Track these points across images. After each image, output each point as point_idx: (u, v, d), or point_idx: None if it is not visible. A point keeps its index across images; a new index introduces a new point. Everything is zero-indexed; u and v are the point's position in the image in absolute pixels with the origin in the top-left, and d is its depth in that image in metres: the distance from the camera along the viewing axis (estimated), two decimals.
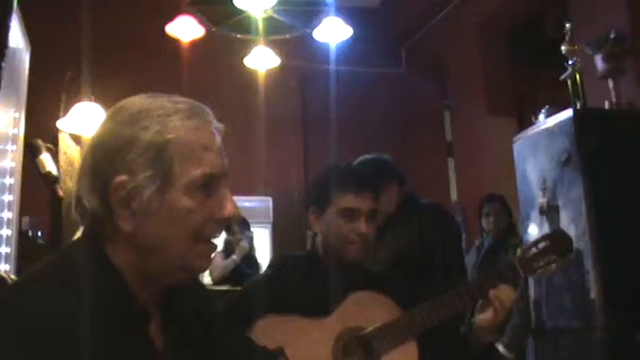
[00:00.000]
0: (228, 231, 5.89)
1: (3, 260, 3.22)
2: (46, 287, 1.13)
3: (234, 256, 5.86)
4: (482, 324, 2.13)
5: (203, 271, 1.27)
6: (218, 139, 1.25)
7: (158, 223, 1.18)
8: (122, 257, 1.19)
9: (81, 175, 1.23)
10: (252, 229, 6.33)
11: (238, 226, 5.94)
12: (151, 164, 1.17)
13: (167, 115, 1.20)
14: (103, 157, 1.19)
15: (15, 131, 3.52)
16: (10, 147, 3.44)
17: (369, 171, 2.86)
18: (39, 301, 1.10)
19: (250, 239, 6.17)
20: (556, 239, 2.22)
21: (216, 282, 5.61)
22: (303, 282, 2.23)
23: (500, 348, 4.22)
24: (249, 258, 6.07)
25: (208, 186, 1.21)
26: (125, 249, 1.19)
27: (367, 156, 3.36)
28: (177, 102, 1.24)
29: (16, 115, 3.55)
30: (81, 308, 1.10)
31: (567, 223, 3.56)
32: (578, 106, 3.75)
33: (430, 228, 3.30)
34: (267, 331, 1.99)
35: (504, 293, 2.10)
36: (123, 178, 1.16)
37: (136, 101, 1.24)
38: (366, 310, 2.16)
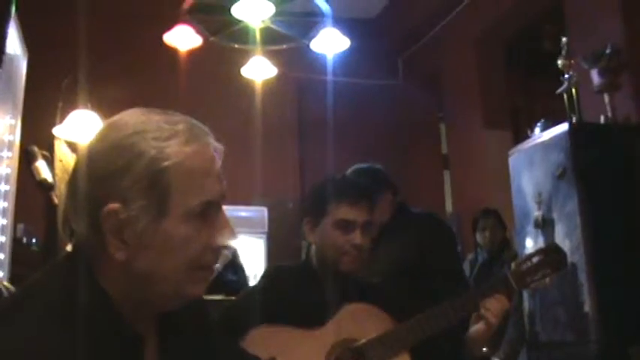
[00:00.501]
0: None
1: None
2: (34, 317, 1.06)
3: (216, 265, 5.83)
4: (475, 336, 2.14)
5: (198, 297, 1.21)
6: (218, 163, 1.18)
7: (152, 253, 1.11)
8: (113, 283, 1.13)
9: (69, 196, 1.16)
10: (247, 238, 6.31)
11: None
12: (146, 193, 1.10)
13: (164, 139, 1.12)
14: (94, 182, 1.11)
15: (11, 138, 3.52)
16: (5, 153, 3.44)
17: (363, 180, 2.86)
18: (26, 335, 1.03)
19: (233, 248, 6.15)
20: (550, 253, 2.24)
21: None
22: (297, 293, 2.23)
23: None
24: (234, 265, 6.05)
25: (206, 213, 1.14)
26: (116, 275, 1.13)
27: (360, 165, 3.34)
28: (174, 122, 1.16)
29: (12, 121, 3.55)
30: (71, 336, 1.03)
31: (562, 236, 3.57)
32: (574, 120, 3.76)
33: (430, 237, 3.29)
34: (260, 342, 1.98)
35: (495, 303, 2.12)
36: (115, 206, 1.08)
37: (130, 120, 1.15)
38: (360, 322, 2.16)
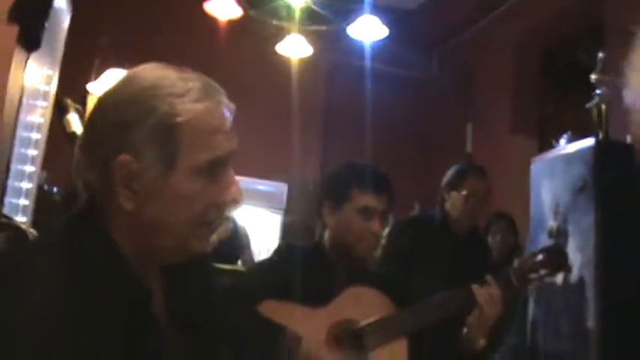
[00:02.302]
0: None
1: (21, 212, 3.27)
2: (42, 276, 1.09)
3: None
4: (470, 323, 2.21)
5: (202, 252, 1.25)
6: (229, 120, 1.22)
7: (159, 206, 1.15)
8: (122, 234, 1.17)
9: (82, 148, 1.19)
10: (264, 212, 6.31)
11: None
12: (157, 146, 1.13)
13: (177, 96, 1.16)
14: (106, 133, 1.15)
15: (47, 88, 3.56)
16: (40, 103, 3.49)
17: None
18: (28, 300, 1.05)
19: (232, 220, 6.06)
20: (552, 253, 2.30)
21: None
22: (306, 272, 2.27)
23: None
24: (235, 238, 5.94)
25: (214, 169, 1.18)
26: (125, 226, 1.17)
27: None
28: (188, 79, 1.19)
29: (50, 72, 3.59)
30: (79, 291, 1.07)
31: (574, 249, 3.57)
32: (600, 137, 3.75)
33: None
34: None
35: (486, 290, 2.19)
36: (126, 157, 1.12)
37: (147, 75, 1.19)
38: (362, 305, 2.21)
